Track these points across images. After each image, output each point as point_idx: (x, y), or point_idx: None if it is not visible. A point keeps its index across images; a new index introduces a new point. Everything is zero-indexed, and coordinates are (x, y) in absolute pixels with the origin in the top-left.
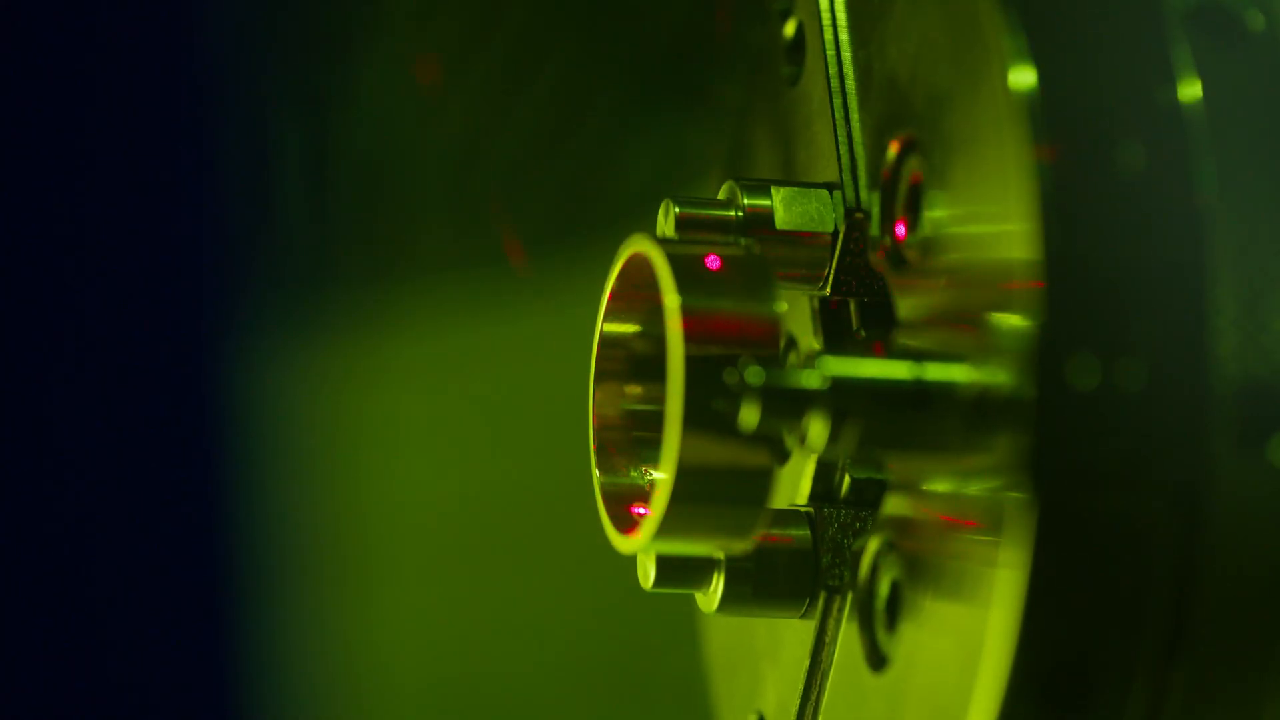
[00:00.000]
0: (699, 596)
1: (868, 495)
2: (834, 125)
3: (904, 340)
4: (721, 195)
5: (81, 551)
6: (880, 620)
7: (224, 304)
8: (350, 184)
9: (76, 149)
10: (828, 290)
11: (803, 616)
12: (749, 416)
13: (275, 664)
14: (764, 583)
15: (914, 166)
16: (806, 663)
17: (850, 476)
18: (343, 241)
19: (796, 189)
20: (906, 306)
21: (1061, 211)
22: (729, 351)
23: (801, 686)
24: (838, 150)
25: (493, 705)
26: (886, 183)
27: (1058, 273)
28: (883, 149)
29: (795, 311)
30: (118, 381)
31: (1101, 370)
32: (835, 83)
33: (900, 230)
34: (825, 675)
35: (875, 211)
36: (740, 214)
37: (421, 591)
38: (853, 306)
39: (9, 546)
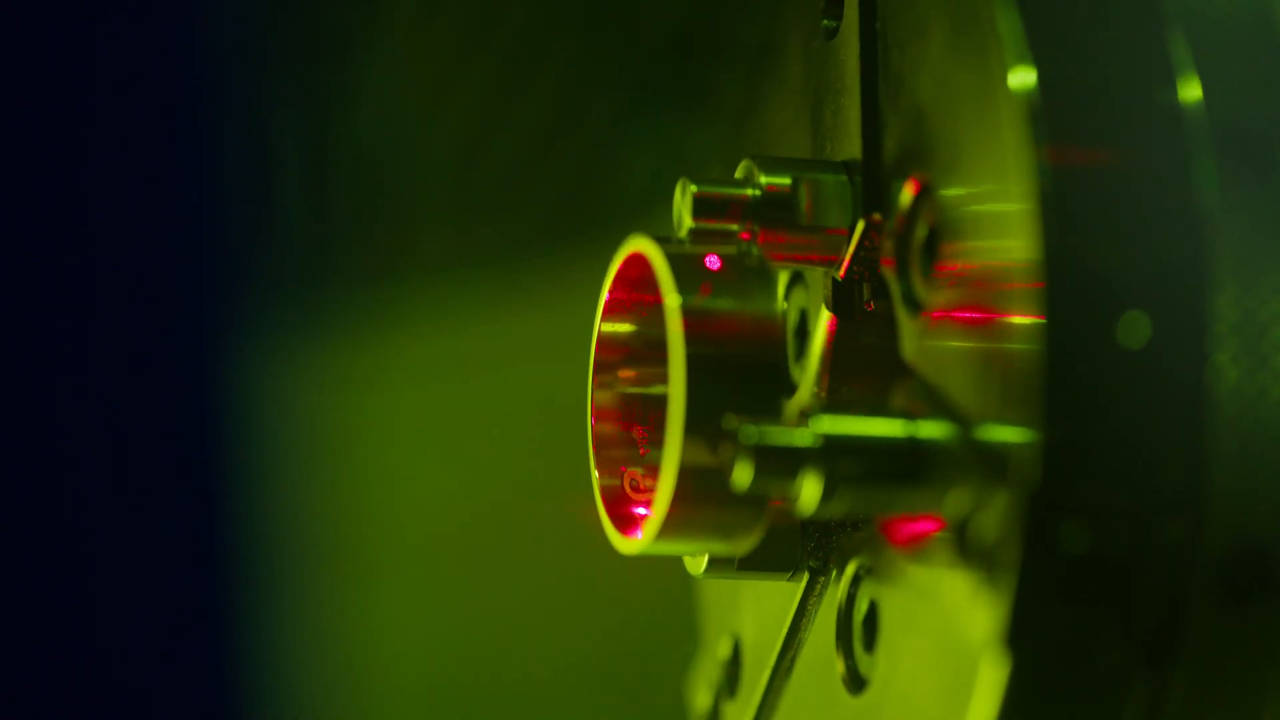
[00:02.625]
0: (686, 560)
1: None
2: (863, 129)
3: (904, 390)
4: (739, 174)
5: (81, 551)
6: (858, 641)
7: (224, 304)
8: (350, 184)
9: (77, 149)
10: (840, 275)
11: (790, 579)
12: (742, 476)
13: (275, 663)
14: (750, 553)
15: (929, 210)
16: (785, 626)
17: None
18: (343, 241)
19: (816, 177)
20: (912, 349)
21: (1064, 388)
22: (730, 351)
23: (778, 646)
24: (863, 153)
25: (492, 704)
26: (902, 224)
27: (1055, 439)
28: (902, 179)
29: (809, 277)
30: (118, 380)
31: (1091, 538)
32: (868, 85)
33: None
34: (801, 645)
35: (900, 203)
36: (758, 193)
37: (421, 591)
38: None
39: (9, 546)
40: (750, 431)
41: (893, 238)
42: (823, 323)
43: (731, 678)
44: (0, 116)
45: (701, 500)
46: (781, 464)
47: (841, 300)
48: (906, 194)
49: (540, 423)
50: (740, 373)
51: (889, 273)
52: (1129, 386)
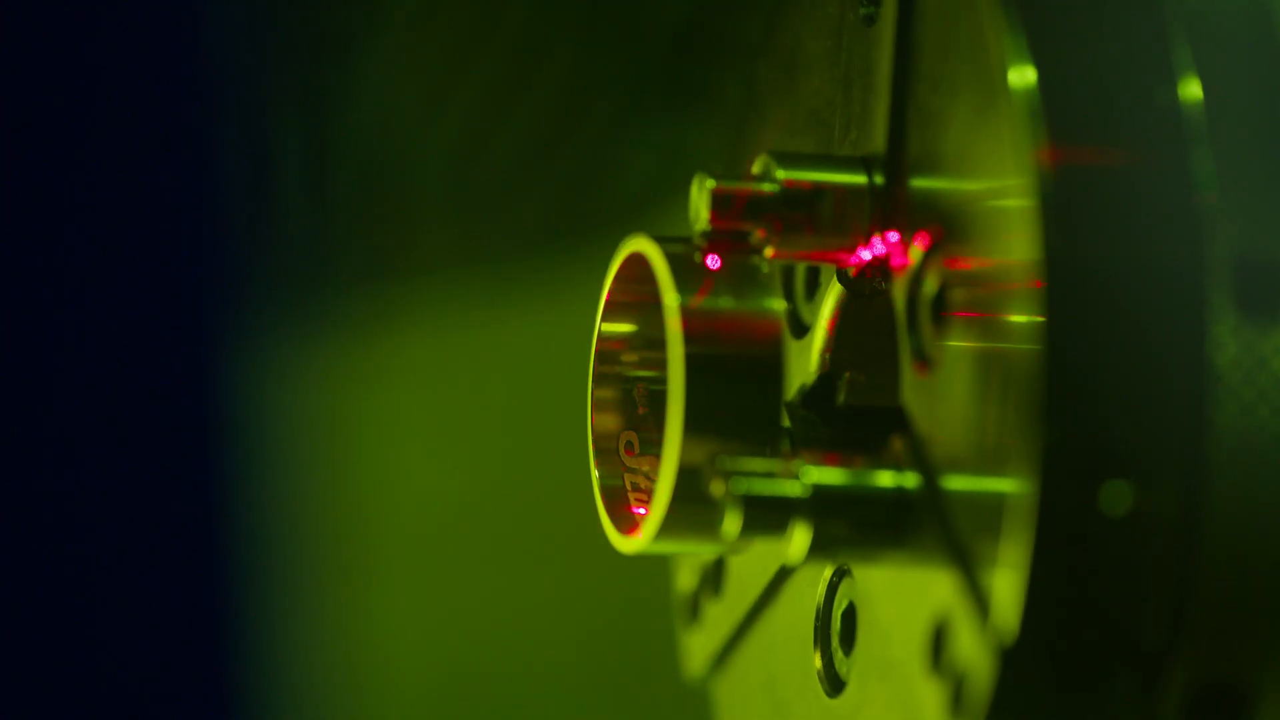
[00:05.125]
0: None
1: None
2: (888, 142)
3: (903, 442)
4: (756, 169)
5: (80, 551)
6: (836, 643)
7: (224, 304)
8: (350, 183)
9: (76, 149)
10: (853, 275)
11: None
12: (731, 526)
13: (275, 663)
14: None
15: (940, 263)
16: (767, 578)
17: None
18: (343, 241)
19: (835, 178)
20: (914, 398)
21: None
22: (729, 351)
23: (757, 593)
24: (886, 165)
25: (492, 704)
26: (912, 279)
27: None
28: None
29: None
30: (118, 381)
31: (1061, 682)
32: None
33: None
34: (778, 601)
35: (910, 258)
36: (776, 188)
37: (421, 590)
38: None
39: (9, 545)
40: (740, 482)
41: (905, 288)
42: (832, 294)
43: (715, 578)
44: None
45: (701, 500)
46: (771, 515)
47: (854, 283)
48: (916, 250)
49: (540, 422)
50: (739, 372)
51: (900, 326)
52: (1117, 539)
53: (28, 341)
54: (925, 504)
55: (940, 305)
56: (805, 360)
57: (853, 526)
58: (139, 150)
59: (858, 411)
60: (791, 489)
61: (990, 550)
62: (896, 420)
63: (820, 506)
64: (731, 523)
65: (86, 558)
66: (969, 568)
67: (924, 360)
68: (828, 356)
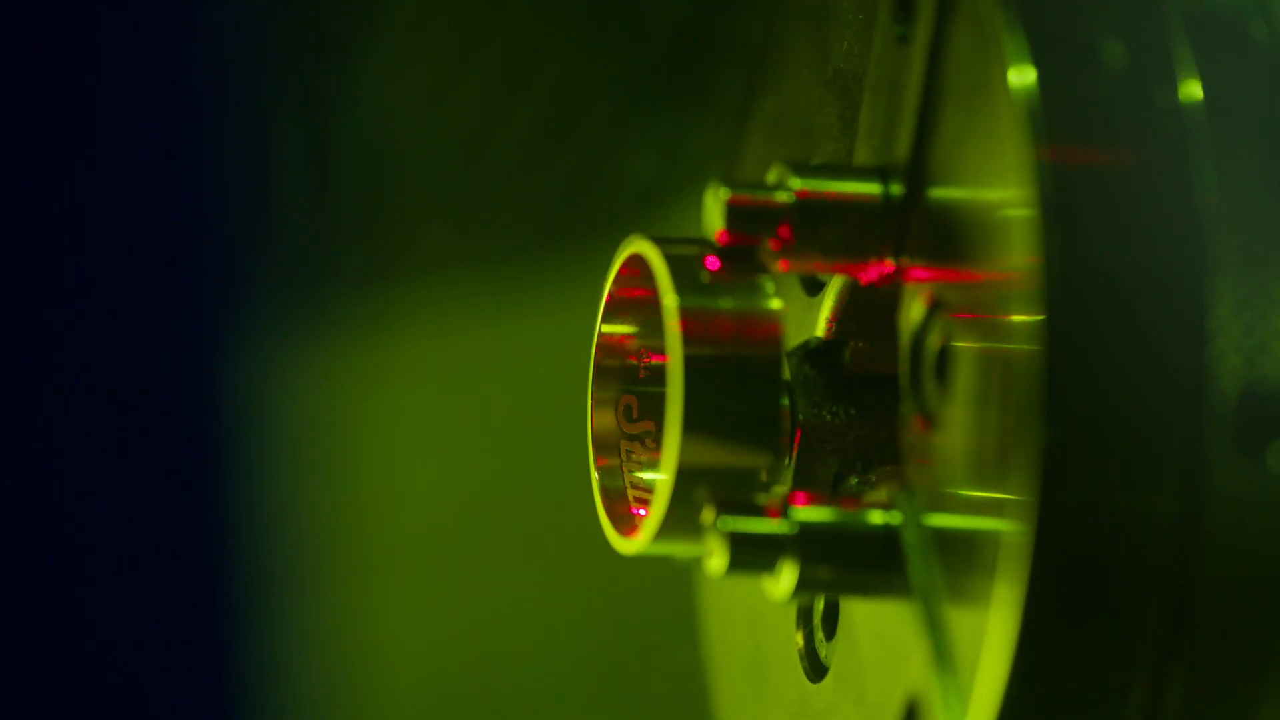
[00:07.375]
0: None
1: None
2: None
3: (896, 485)
4: (770, 178)
5: (80, 551)
6: (818, 621)
7: (224, 304)
8: (350, 184)
9: (77, 149)
10: (862, 284)
11: None
12: (717, 564)
13: (275, 663)
14: None
15: (941, 327)
16: None
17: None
18: (343, 241)
19: (850, 189)
20: (912, 449)
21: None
22: (729, 351)
23: None
24: (906, 187)
25: (492, 704)
26: (916, 336)
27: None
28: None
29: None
30: (118, 380)
31: None
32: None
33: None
34: None
35: (912, 316)
36: (790, 197)
37: (421, 591)
38: None
39: (10, 545)
40: (727, 520)
41: (909, 345)
42: (840, 277)
43: None
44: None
45: (700, 499)
46: (757, 553)
47: (858, 296)
48: (919, 307)
49: (540, 423)
50: (738, 373)
51: (903, 384)
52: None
53: (28, 341)
54: (912, 563)
55: (943, 364)
56: (814, 319)
57: (839, 566)
58: (139, 150)
59: (860, 378)
60: (779, 526)
61: (974, 637)
62: (894, 388)
63: (807, 545)
64: (718, 561)
65: (87, 558)
66: (945, 658)
67: (925, 417)
68: (833, 326)
